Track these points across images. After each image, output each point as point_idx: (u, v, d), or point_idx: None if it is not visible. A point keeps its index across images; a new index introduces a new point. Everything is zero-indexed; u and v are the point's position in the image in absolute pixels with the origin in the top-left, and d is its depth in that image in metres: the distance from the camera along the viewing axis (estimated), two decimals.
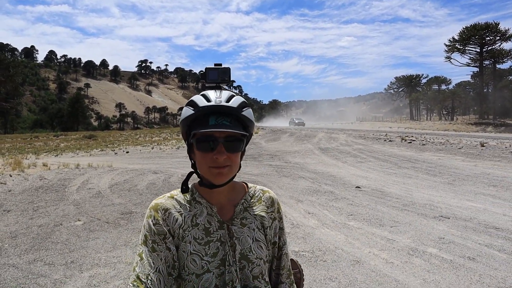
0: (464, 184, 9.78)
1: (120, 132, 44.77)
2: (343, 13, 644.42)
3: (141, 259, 1.20)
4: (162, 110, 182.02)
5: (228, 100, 1.20)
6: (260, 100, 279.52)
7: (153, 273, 1.17)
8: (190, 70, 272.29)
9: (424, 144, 20.11)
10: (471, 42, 63.96)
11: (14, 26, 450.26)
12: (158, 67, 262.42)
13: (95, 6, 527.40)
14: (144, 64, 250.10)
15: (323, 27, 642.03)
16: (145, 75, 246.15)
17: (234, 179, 1.30)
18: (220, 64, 1.37)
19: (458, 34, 64.81)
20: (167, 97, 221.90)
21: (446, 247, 5.25)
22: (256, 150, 18.56)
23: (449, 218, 6.60)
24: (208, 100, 1.20)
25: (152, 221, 1.24)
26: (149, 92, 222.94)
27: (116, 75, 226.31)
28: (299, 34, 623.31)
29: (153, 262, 1.19)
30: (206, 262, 1.22)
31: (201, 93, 1.25)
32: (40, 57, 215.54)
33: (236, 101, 1.22)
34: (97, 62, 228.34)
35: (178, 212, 1.27)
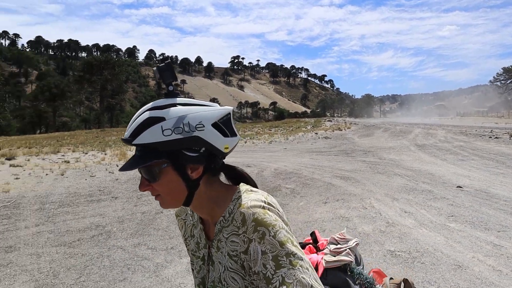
0: None
1: None
2: (443, 1, 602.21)
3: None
4: (254, 105, 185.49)
5: (131, 126, 1.04)
6: (352, 95, 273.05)
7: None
8: (281, 65, 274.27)
9: None
10: None
11: (121, 28, 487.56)
12: (250, 63, 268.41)
13: (192, 6, 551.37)
14: (236, 60, 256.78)
15: (421, 17, 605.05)
16: (238, 70, 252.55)
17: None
18: (166, 60, 1.16)
19: None
20: (259, 92, 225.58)
21: None
22: (348, 146, 18.21)
23: None
24: None
25: (178, 226, 1.33)
26: (241, 87, 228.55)
27: (210, 71, 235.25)
28: (395, 25, 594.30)
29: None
30: (195, 276, 1.22)
31: None
32: (141, 56, 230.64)
33: (131, 127, 1.04)
34: (193, 59, 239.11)
35: (184, 220, 1.28)
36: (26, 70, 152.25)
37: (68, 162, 13.00)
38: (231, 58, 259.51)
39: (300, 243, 1.66)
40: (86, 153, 16.04)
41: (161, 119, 1.01)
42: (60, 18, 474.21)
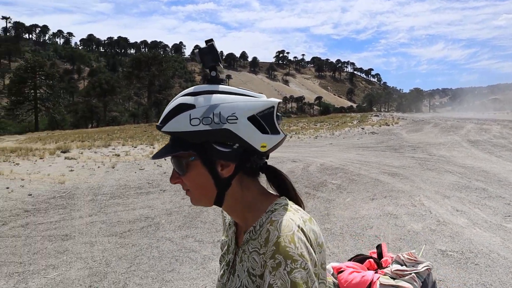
0: None
1: None
2: None
3: None
4: (299, 99, 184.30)
5: (164, 111, 0.97)
6: (400, 89, 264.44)
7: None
8: (327, 59, 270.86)
9: None
10: None
11: (167, 25, 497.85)
12: (295, 57, 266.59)
13: (238, 1, 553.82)
14: (281, 55, 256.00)
15: (474, 6, 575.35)
16: (283, 65, 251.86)
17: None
18: (209, 41, 0.98)
19: None
20: (304, 87, 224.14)
21: None
22: (396, 141, 17.74)
23: None
24: None
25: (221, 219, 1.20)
26: (286, 82, 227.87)
27: (255, 66, 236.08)
28: (446, 15, 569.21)
29: None
30: (218, 279, 1.10)
31: None
32: (187, 51, 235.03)
33: (164, 113, 0.96)
34: (238, 55, 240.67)
35: (224, 217, 1.17)
36: (79, 67, 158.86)
37: (119, 155, 13.47)
38: (276, 52, 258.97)
39: (361, 255, 1.50)
40: (135, 147, 16.56)
41: (191, 106, 0.91)
42: (110, 16, 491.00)
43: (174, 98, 0.97)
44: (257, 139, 0.93)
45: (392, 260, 1.39)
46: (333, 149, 15.66)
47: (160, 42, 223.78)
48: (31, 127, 52.38)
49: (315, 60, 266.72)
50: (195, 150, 0.93)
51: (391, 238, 5.45)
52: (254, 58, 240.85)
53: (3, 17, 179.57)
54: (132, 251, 5.22)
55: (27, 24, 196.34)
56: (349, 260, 1.47)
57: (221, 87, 0.95)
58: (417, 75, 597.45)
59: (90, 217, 6.67)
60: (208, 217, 6.61)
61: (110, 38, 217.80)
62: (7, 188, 8.39)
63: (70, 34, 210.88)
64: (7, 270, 4.68)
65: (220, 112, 0.90)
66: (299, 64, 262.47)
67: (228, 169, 0.94)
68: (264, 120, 0.94)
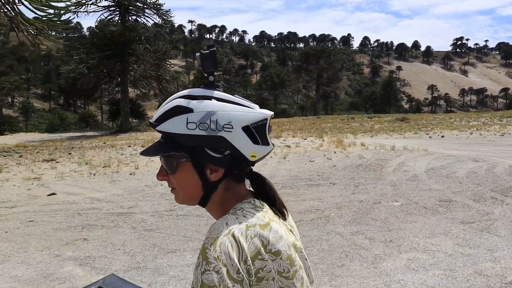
0: None
1: (432, 115, 43.46)
2: None
3: None
4: (480, 91, 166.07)
5: (159, 110, 0.99)
6: None
7: None
8: None
9: None
10: None
11: (335, 17, 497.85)
12: (475, 44, 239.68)
13: None
14: (459, 42, 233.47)
15: None
16: (461, 54, 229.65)
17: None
18: (211, 47, 1.00)
19: None
20: (486, 77, 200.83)
21: None
22: None
23: None
24: None
25: None
26: (464, 72, 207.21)
27: (428, 56, 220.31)
28: None
29: None
30: None
31: None
32: (356, 43, 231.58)
33: (159, 111, 0.98)
34: (409, 44, 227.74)
35: None
36: (252, 62, 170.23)
37: (289, 146, 13.96)
38: (453, 40, 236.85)
39: None
40: (305, 139, 16.93)
41: (189, 110, 0.94)
42: (280, 12, 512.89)
43: (169, 99, 1.00)
44: (248, 149, 0.96)
45: None
46: None
47: (328, 35, 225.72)
48: None
49: (502, 46, 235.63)
50: (187, 152, 0.96)
51: None
52: (428, 47, 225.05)
53: (189, 21, 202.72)
54: (301, 242, 5.32)
55: (208, 25, 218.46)
56: None
57: (216, 93, 0.98)
58: None
59: None
60: (379, 214, 6.40)
61: (280, 34, 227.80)
62: None
63: (244, 32, 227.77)
64: (193, 245, 5.25)
65: (217, 120, 0.93)
66: (481, 52, 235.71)
67: (216, 174, 0.98)
68: (257, 131, 0.97)
